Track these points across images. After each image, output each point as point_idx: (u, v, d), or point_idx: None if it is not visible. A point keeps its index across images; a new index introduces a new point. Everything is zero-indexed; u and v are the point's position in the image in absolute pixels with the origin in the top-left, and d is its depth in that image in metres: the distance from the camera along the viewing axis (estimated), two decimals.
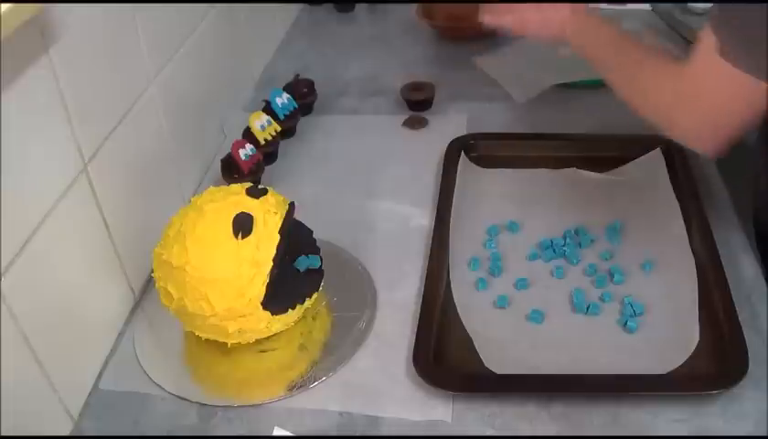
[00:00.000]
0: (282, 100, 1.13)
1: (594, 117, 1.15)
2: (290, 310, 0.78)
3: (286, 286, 0.78)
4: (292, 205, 0.81)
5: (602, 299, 0.83)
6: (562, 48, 1.33)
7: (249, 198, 0.78)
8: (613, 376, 0.74)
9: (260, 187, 0.80)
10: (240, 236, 0.74)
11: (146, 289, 0.90)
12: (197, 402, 0.77)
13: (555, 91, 1.23)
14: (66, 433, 0.74)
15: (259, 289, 0.75)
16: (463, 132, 1.12)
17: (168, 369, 0.81)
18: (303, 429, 0.73)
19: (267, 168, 1.06)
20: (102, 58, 0.81)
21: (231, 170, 1.01)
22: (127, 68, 0.87)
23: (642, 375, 0.74)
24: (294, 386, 0.77)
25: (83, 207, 0.78)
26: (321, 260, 0.82)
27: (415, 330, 0.80)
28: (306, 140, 1.16)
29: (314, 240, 0.84)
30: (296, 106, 1.15)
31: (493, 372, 0.76)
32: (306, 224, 0.85)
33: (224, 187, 0.81)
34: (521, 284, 0.86)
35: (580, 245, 0.91)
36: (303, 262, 0.80)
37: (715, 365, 0.75)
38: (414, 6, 1.49)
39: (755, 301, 0.82)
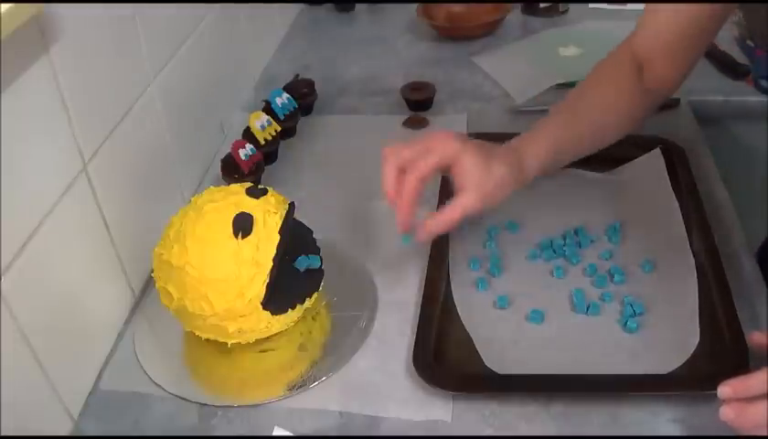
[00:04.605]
0: (282, 100, 1.13)
1: None
2: (290, 310, 0.78)
3: (286, 286, 0.78)
4: (292, 205, 0.81)
5: (602, 299, 0.83)
6: (563, 48, 1.34)
7: (249, 198, 0.78)
8: (613, 376, 0.74)
9: (260, 187, 0.80)
10: (240, 236, 0.74)
11: (146, 289, 0.90)
12: (196, 402, 0.77)
13: (555, 90, 1.23)
14: (66, 433, 0.74)
15: (259, 289, 0.75)
16: (463, 132, 1.12)
17: (168, 369, 0.81)
18: (303, 429, 0.73)
19: (267, 168, 1.06)
20: (102, 58, 0.81)
21: (231, 170, 1.01)
22: (127, 68, 0.87)
23: (642, 375, 0.74)
24: (294, 386, 0.77)
25: (83, 207, 0.78)
26: (321, 260, 0.82)
27: (415, 330, 0.80)
28: (306, 140, 1.16)
29: (314, 240, 0.84)
30: (296, 106, 1.15)
31: (493, 372, 0.76)
32: (306, 224, 0.85)
33: (224, 187, 0.81)
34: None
35: (580, 245, 0.91)
36: (303, 262, 0.80)
37: (715, 365, 0.75)
38: (414, 6, 1.49)
39: (755, 301, 0.82)
